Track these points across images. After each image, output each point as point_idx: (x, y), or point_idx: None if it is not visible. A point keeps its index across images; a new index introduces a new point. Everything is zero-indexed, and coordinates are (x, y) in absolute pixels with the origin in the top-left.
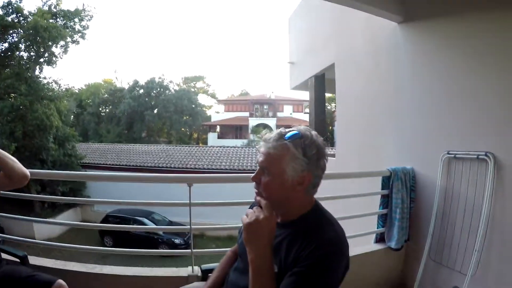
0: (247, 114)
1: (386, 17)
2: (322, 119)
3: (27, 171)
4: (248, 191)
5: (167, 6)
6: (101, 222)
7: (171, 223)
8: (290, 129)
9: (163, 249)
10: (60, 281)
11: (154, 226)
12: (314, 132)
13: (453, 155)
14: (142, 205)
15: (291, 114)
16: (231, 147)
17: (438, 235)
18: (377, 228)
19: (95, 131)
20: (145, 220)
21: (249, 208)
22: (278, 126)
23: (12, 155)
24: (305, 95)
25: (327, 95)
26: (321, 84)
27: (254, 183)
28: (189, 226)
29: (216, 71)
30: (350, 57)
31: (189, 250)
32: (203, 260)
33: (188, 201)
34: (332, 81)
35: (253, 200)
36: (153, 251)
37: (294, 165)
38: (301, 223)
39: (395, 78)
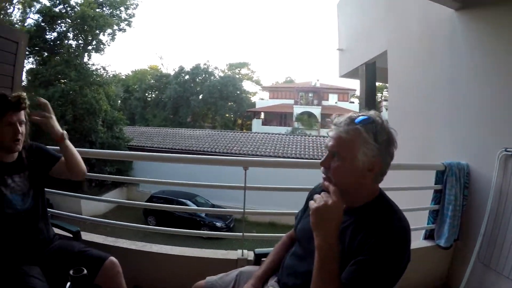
0: (291, 101)
1: (443, 3)
2: (373, 109)
3: (86, 170)
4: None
5: None
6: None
7: (213, 206)
8: (360, 113)
9: (205, 230)
10: (112, 258)
11: (202, 208)
12: (384, 118)
13: (511, 153)
14: (196, 187)
15: (336, 103)
16: (276, 134)
17: (489, 237)
18: (427, 224)
19: (141, 115)
20: (189, 202)
21: (310, 194)
22: (323, 115)
23: None
24: (351, 84)
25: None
26: (372, 72)
27: (309, 170)
28: (242, 210)
29: (260, 58)
30: (403, 44)
31: (240, 234)
32: (246, 245)
33: (243, 185)
34: (383, 70)
35: (311, 187)
36: (204, 232)
37: (365, 150)
38: (367, 211)
39: (452, 68)
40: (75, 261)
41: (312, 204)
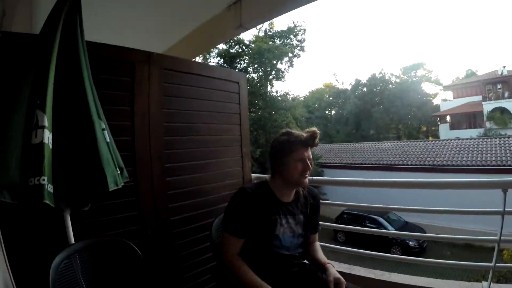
0: (479, 98)
1: None
2: None
3: None
4: None
5: (378, 2)
6: (336, 218)
7: (406, 223)
8: None
9: (396, 250)
10: None
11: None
12: None
13: None
14: (444, 213)
15: None
16: (469, 139)
17: None
18: None
19: (324, 132)
20: (380, 219)
21: None
22: None
23: (257, 159)
24: None
25: None
26: None
27: None
28: (496, 238)
29: (435, 54)
30: None
31: (491, 264)
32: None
33: (502, 209)
34: None
35: None
36: (453, 262)
37: None
38: None
39: None
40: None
41: None
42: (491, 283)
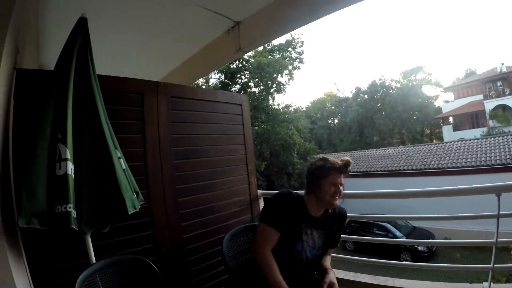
0: (480, 97)
1: None
2: None
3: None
4: None
5: (373, 9)
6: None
7: (414, 228)
8: None
9: (406, 256)
10: None
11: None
12: None
13: None
14: (443, 220)
15: None
16: (472, 139)
17: None
18: None
19: (328, 141)
20: (388, 226)
21: None
22: None
23: (262, 172)
24: None
25: None
26: None
27: None
28: (493, 240)
29: (433, 57)
30: None
31: (489, 265)
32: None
33: (497, 213)
34: None
35: None
36: (453, 266)
37: None
38: None
39: None
40: None
41: None
42: (491, 283)
